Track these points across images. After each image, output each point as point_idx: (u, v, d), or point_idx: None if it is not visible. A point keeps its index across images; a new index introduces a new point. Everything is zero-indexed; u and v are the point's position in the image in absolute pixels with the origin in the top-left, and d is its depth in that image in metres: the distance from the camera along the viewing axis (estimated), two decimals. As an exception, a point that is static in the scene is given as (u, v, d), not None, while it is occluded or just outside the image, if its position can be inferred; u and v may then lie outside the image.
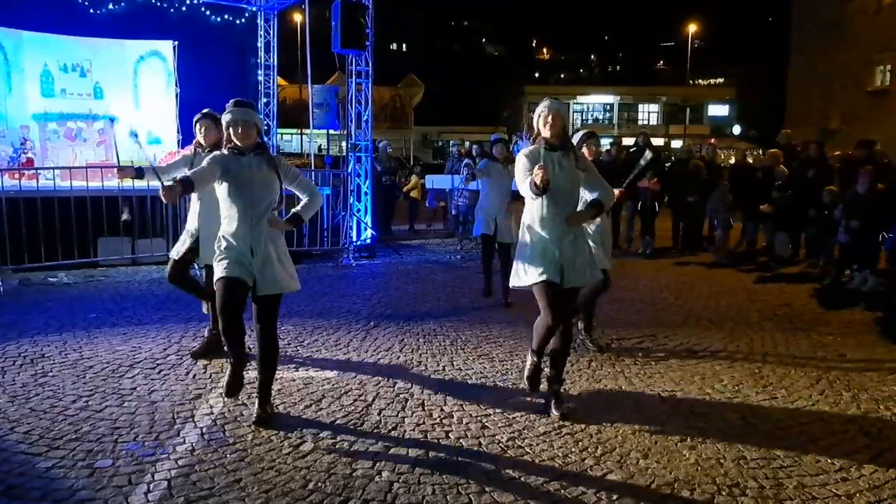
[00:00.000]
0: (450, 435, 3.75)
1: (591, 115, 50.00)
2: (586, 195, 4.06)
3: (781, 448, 3.64)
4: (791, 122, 29.61)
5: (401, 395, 4.32)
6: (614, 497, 3.12)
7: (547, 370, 4.11)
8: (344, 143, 12.51)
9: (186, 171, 4.61)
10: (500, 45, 71.86)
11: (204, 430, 3.72)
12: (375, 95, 10.94)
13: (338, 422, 3.89)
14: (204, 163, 3.85)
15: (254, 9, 12.36)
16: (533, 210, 3.92)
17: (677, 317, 6.55)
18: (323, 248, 9.80)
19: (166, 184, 3.66)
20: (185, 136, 11.21)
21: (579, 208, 4.04)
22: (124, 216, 5.12)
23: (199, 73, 11.24)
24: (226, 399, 4.09)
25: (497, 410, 4.09)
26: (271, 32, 12.60)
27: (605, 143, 23.28)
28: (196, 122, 4.97)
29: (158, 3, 11.41)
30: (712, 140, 13.11)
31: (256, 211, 3.76)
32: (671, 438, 3.74)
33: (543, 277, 3.82)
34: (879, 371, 4.96)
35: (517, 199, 4.69)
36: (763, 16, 56.38)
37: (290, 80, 27.11)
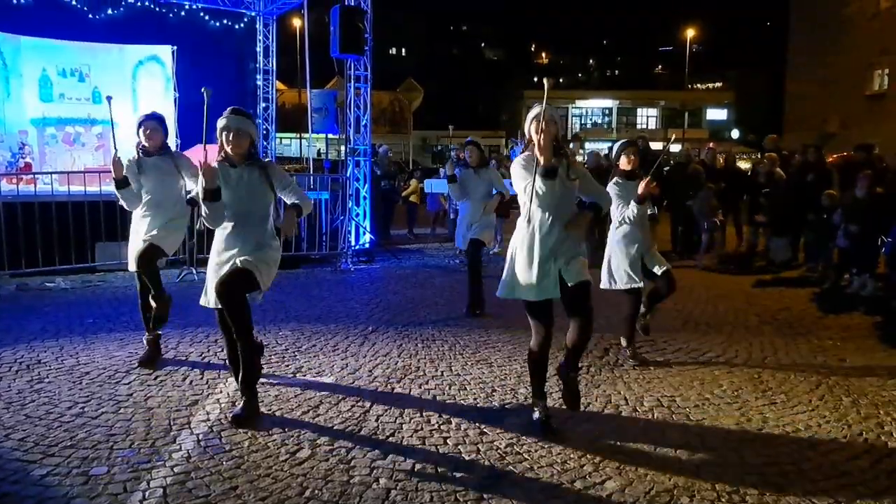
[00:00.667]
0: (448, 441, 3.73)
1: (590, 120, 50.11)
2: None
3: (781, 453, 3.62)
4: (789, 126, 29.66)
5: (399, 401, 4.30)
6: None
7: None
8: (343, 148, 12.50)
9: (131, 180, 4.71)
10: (499, 50, 72.02)
11: (200, 436, 3.70)
12: (374, 100, 10.94)
13: (335, 428, 3.87)
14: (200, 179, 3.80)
15: (253, 14, 12.37)
16: (524, 220, 3.82)
17: (676, 321, 6.53)
18: (321, 252, 9.78)
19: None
20: (184, 141, 11.20)
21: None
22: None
23: (198, 77, 11.21)
24: (222, 405, 4.08)
25: (496, 416, 4.07)
26: (270, 37, 12.62)
27: (604, 147, 23.33)
28: (139, 124, 4.80)
29: (157, 8, 11.42)
30: (711, 144, 13.12)
31: (248, 222, 3.75)
32: (670, 444, 3.71)
33: (531, 297, 3.74)
34: (879, 376, 4.94)
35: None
36: (761, 20, 56.53)
37: (289, 84, 27.10)
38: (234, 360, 3.96)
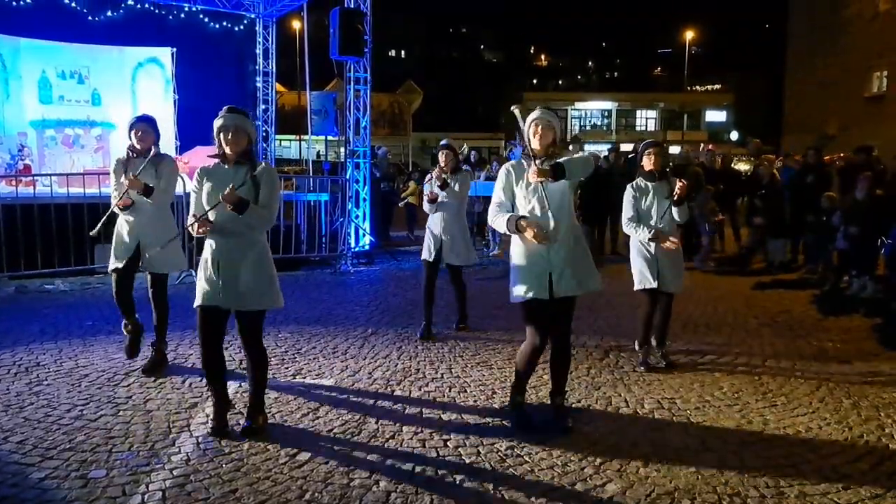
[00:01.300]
0: (448, 444, 3.72)
1: (590, 122, 50.15)
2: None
3: (782, 456, 3.61)
4: (788, 128, 29.71)
5: (399, 404, 4.29)
6: (614, 507, 3.09)
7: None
8: (342, 150, 12.50)
9: (123, 180, 4.68)
10: (499, 52, 72.04)
11: (199, 439, 3.69)
12: (374, 102, 10.95)
13: (335, 430, 3.86)
14: (194, 183, 3.78)
15: (252, 16, 12.38)
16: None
17: (675, 323, 6.50)
18: (321, 254, 9.77)
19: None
20: (183, 143, 11.20)
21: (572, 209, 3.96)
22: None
23: (198, 79, 11.26)
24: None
25: (496, 419, 4.06)
26: (270, 39, 12.63)
27: (603, 149, 23.33)
28: (131, 126, 4.84)
29: (157, 10, 11.43)
30: (710, 146, 13.13)
31: (234, 224, 3.65)
32: (671, 447, 3.71)
33: (529, 296, 3.78)
34: (879, 378, 4.93)
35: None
36: (760, 22, 56.59)
37: (289, 86, 27.10)
38: (212, 368, 3.86)
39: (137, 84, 11.34)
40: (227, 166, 3.73)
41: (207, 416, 3.99)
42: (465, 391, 4.56)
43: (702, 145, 11.98)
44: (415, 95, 41.27)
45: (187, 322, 6.01)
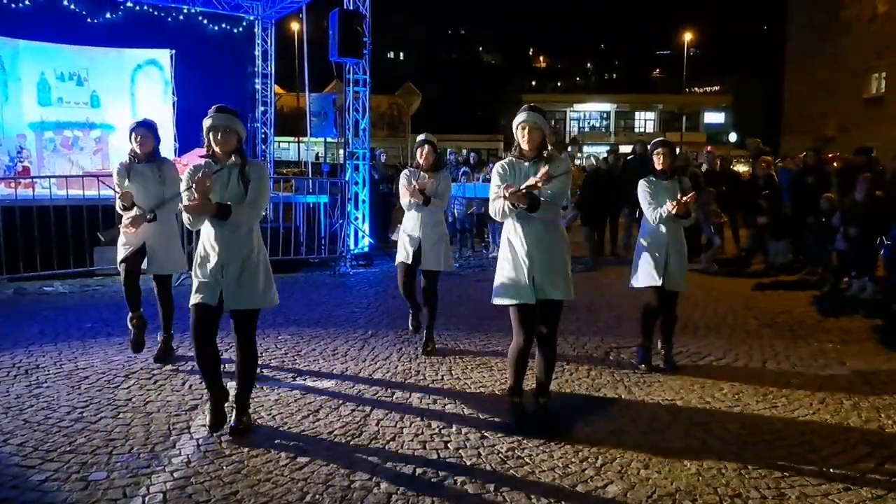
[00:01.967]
0: (449, 445, 3.71)
1: (588, 123, 50.14)
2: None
3: (783, 457, 3.61)
4: (787, 130, 29.75)
5: (399, 406, 4.29)
6: (615, 508, 3.09)
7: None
8: (341, 152, 12.51)
9: (127, 183, 4.84)
10: (498, 54, 72.05)
11: (200, 441, 3.68)
12: (373, 103, 10.94)
13: (335, 433, 3.85)
14: (185, 182, 3.73)
15: (251, 18, 12.39)
16: (508, 223, 3.91)
17: (675, 325, 6.51)
18: (320, 256, 9.77)
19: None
20: (182, 145, 11.21)
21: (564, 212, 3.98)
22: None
23: (197, 81, 11.26)
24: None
25: (496, 420, 4.05)
26: (269, 41, 12.63)
27: (603, 150, 23.36)
28: (131, 130, 4.97)
29: (156, 12, 11.43)
30: (709, 148, 13.12)
31: (230, 223, 3.66)
32: (672, 448, 3.70)
33: (514, 301, 3.82)
34: (880, 379, 4.94)
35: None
36: (758, 24, 56.69)
37: (288, 88, 27.09)
38: (206, 366, 3.83)
39: (136, 86, 11.35)
40: (217, 165, 3.73)
41: (208, 417, 3.98)
42: (466, 393, 4.55)
43: (707, 148, 11.94)
44: (414, 97, 41.25)
45: (186, 324, 5.99)
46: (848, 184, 8.72)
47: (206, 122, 3.69)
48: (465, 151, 15.05)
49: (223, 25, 12.18)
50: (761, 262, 9.95)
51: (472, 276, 8.85)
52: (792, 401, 4.47)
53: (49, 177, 8.83)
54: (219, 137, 3.68)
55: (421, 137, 5.46)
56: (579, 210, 10.59)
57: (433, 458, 3.57)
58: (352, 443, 3.72)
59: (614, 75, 72.13)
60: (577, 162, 16.60)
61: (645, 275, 5.04)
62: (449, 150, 14.36)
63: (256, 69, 12.61)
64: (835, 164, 10.95)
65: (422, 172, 5.32)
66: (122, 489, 3.16)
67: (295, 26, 26.81)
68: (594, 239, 10.33)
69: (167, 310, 5.17)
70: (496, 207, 3.84)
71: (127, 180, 4.86)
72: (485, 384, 4.73)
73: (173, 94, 11.38)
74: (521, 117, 3.83)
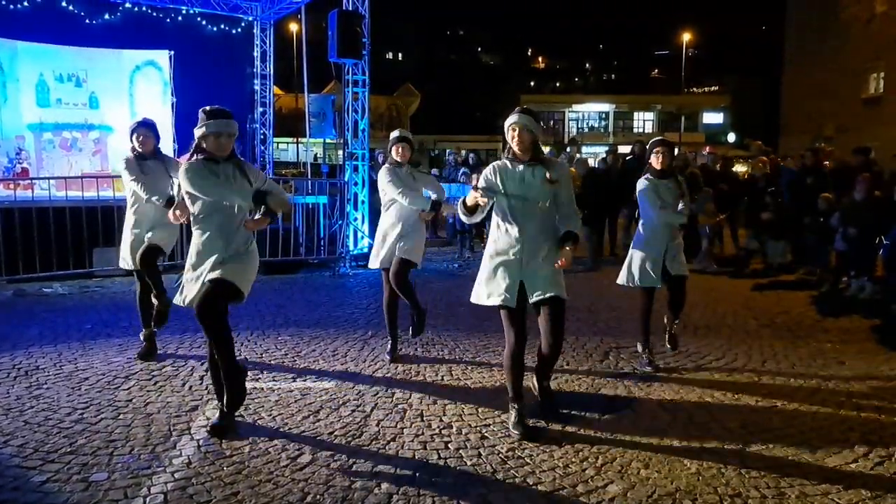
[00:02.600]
0: (449, 446, 3.72)
1: (587, 124, 50.15)
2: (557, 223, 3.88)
3: (783, 456, 3.62)
4: (786, 130, 29.76)
5: (399, 406, 4.29)
6: (616, 508, 3.09)
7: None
8: (340, 152, 12.51)
9: (135, 175, 4.99)
10: (496, 54, 72.06)
11: (200, 442, 3.69)
12: (372, 104, 10.93)
13: (336, 433, 3.86)
14: (183, 180, 3.73)
15: (250, 18, 12.40)
16: (495, 224, 3.91)
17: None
18: (320, 257, 9.77)
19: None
20: (181, 146, 11.19)
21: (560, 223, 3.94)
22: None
23: (195, 82, 11.25)
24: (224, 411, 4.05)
25: (496, 420, 4.06)
26: (267, 42, 12.64)
27: (601, 151, 23.37)
28: (132, 130, 5.08)
29: (154, 13, 11.43)
30: (708, 148, 13.12)
31: (233, 219, 3.73)
32: (672, 448, 3.71)
33: (498, 301, 3.80)
34: (879, 378, 4.95)
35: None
36: (757, 24, 56.76)
37: (287, 89, 27.09)
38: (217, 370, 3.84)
39: (135, 87, 11.33)
40: (217, 164, 3.75)
41: (208, 419, 3.98)
42: (466, 393, 4.56)
43: (707, 149, 11.96)
44: (413, 98, 41.22)
45: (185, 325, 6.01)
46: (843, 184, 8.73)
47: (208, 129, 3.68)
48: (464, 152, 15.07)
49: (222, 26, 12.18)
50: (760, 262, 9.96)
51: (472, 277, 8.84)
52: (791, 401, 4.47)
53: (48, 178, 8.83)
54: (222, 142, 3.71)
55: (395, 134, 5.38)
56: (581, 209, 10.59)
57: (434, 458, 3.57)
58: (352, 443, 3.72)
59: (613, 76, 72.16)
60: (572, 169, 16.58)
61: (641, 274, 5.05)
62: (448, 150, 14.37)
63: (255, 70, 12.61)
64: (826, 163, 10.95)
65: (404, 169, 5.27)
66: (124, 490, 3.16)
67: (294, 27, 26.83)
68: (594, 239, 10.34)
69: (161, 295, 5.06)
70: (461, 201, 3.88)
71: (141, 173, 4.97)
72: (485, 384, 4.73)
73: (172, 95, 11.36)
74: (511, 119, 3.85)
